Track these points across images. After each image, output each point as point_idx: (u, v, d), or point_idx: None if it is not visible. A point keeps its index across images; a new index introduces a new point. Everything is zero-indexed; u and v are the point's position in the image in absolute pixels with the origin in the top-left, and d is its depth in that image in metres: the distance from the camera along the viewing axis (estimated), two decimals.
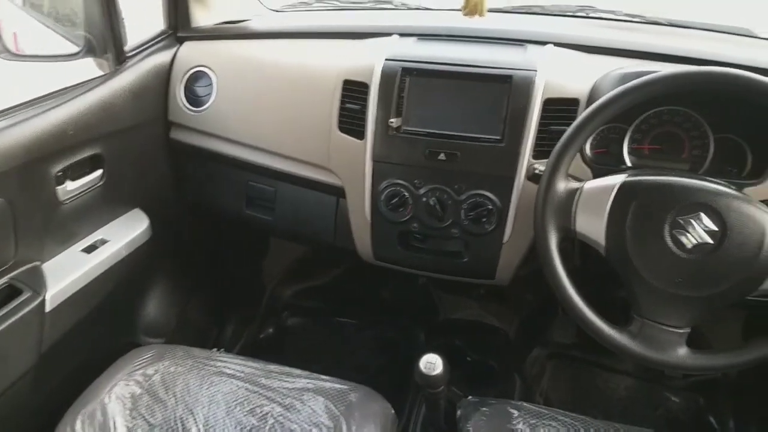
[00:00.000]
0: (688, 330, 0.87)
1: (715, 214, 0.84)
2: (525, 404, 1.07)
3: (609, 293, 1.08)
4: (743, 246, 0.83)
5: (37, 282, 1.10)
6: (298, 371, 1.12)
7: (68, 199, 1.16)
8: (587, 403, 1.64)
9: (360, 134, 1.17)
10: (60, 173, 1.13)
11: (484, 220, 1.13)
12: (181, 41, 1.41)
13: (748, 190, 0.99)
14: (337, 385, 1.09)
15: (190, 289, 1.64)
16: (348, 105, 1.18)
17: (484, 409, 1.05)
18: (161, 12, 1.41)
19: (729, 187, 0.89)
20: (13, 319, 1.03)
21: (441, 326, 1.82)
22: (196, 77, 1.36)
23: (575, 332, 1.70)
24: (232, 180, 1.40)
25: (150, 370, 1.08)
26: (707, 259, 0.84)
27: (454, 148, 1.12)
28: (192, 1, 1.42)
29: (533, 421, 1.02)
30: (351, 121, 1.18)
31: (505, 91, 1.09)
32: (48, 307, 1.10)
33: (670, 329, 0.87)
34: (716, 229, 0.84)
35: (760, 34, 1.39)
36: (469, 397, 1.10)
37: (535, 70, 1.09)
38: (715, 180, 0.92)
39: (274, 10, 1.59)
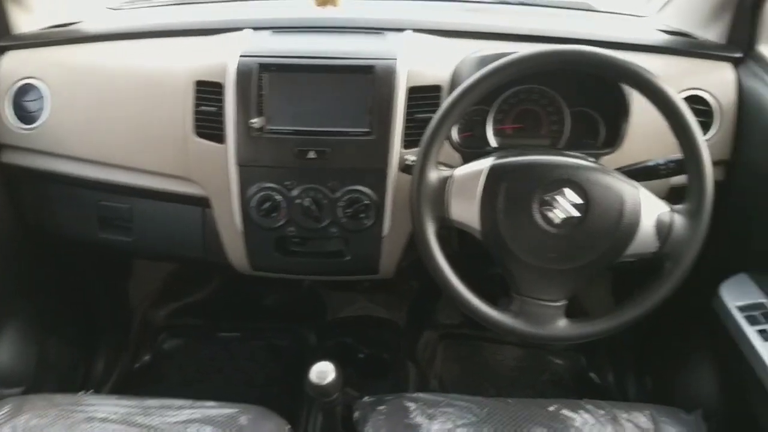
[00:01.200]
0: (565, 302, 0.90)
1: (578, 188, 0.87)
2: (421, 395, 1.06)
3: (490, 272, 1.10)
4: (605, 215, 0.86)
5: None
6: (180, 402, 1.03)
7: None
8: (480, 378, 1.68)
9: (220, 138, 1.09)
10: None
11: (362, 215, 1.10)
12: (1, 51, 1.23)
13: (604, 159, 1.05)
14: (226, 410, 1.01)
15: (46, 327, 1.47)
16: (203, 108, 1.10)
17: (380, 407, 1.03)
18: None
19: (587, 160, 0.92)
20: None
21: (330, 326, 1.78)
22: (24, 91, 1.19)
23: (461, 311, 1.74)
24: (80, 201, 1.25)
25: (6, 429, 0.95)
26: (575, 232, 0.87)
27: (323, 145, 1.08)
28: (10, 3, 1.25)
29: (430, 411, 1.01)
30: (208, 125, 1.10)
31: (369, 81, 1.07)
32: None
33: (549, 303, 0.90)
34: (580, 202, 0.87)
35: (599, 8, 1.48)
36: (365, 397, 1.08)
37: (396, 59, 1.07)
38: (574, 154, 0.95)
39: (110, 9, 1.44)
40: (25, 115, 1.19)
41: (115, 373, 1.63)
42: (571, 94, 1.11)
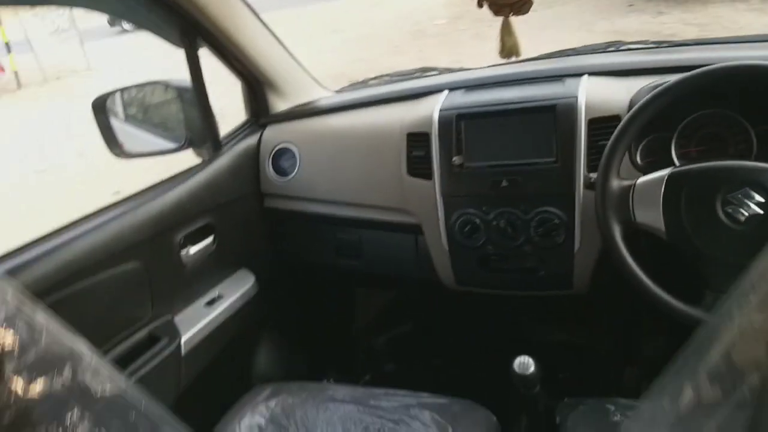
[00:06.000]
0: None
1: (761, 187, 0.92)
2: (621, 400, 1.10)
3: (679, 270, 1.12)
4: None
5: (171, 332, 1.28)
6: (402, 392, 1.21)
7: (189, 261, 1.36)
8: None
9: (428, 175, 1.31)
10: (181, 240, 1.33)
11: (554, 233, 1.22)
12: (263, 126, 1.62)
13: None
14: (439, 400, 1.17)
15: (293, 334, 1.80)
16: (414, 153, 1.34)
17: (581, 407, 1.10)
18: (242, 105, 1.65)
19: None
20: (155, 361, 1.21)
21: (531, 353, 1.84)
22: (281, 153, 1.56)
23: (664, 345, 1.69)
24: (322, 234, 1.57)
25: (271, 404, 1.21)
26: (762, 228, 0.91)
27: (514, 174, 1.23)
28: (269, 93, 1.65)
29: (630, 414, 1.06)
30: (419, 166, 1.33)
31: (551, 118, 1.21)
32: (183, 351, 1.27)
33: None
34: (763, 200, 0.91)
35: None
36: (565, 399, 1.15)
37: (576, 96, 1.21)
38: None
39: (337, 91, 1.80)
40: (281, 171, 1.56)
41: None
42: (754, 113, 1.12)
